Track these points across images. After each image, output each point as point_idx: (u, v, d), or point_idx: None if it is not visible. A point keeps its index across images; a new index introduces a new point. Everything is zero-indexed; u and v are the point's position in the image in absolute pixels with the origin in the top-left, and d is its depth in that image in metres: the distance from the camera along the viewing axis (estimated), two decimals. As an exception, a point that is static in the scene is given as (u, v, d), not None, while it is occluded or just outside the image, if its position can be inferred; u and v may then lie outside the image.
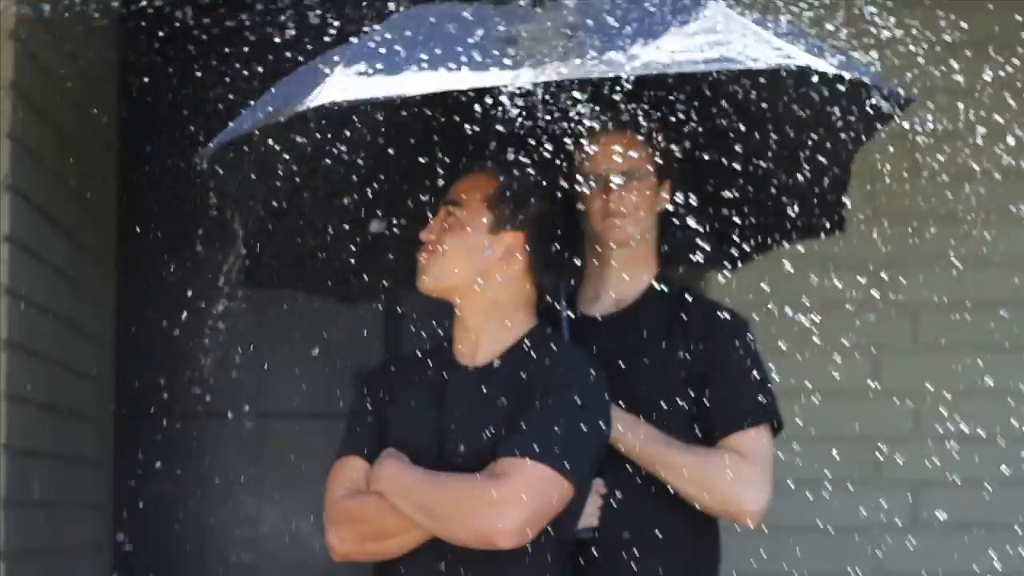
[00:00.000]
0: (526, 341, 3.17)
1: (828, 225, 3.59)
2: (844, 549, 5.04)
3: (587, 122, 3.35)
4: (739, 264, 3.80)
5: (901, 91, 2.94)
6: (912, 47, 4.89)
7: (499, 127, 3.41)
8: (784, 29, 2.94)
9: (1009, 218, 5.09)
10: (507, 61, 2.78)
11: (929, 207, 4.91)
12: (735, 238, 3.72)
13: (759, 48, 2.78)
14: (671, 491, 3.29)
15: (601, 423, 3.10)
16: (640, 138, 3.40)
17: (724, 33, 2.80)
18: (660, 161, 3.42)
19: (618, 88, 3.20)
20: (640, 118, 3.40)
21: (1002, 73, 4.99)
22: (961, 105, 4.96)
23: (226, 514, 5.85)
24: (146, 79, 5.71)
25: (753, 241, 3.71)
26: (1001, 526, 5.07)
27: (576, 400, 3.08)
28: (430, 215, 3.25)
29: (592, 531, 3.25)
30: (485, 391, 3.13)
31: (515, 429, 3.05)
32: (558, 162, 3.39)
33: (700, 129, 3.48)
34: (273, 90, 3.07)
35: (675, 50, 2.75)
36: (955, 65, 4.93)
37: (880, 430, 5.12)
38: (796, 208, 3.52)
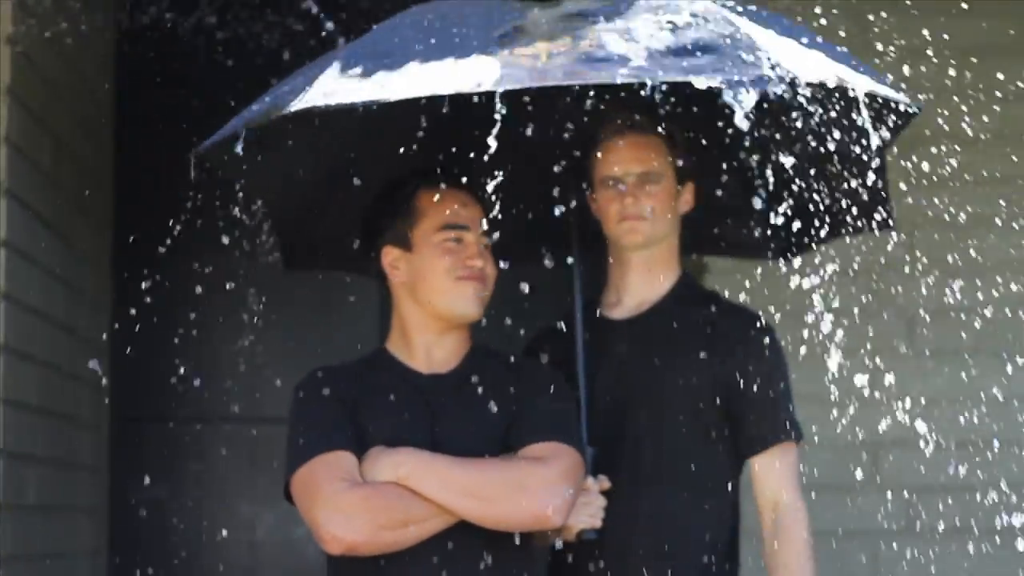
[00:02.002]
0: (475, 352, 3.28)
1: (876, 220, 3.52)
2: (841, 554, 5.03)
3: (603, 124, 3.36)
4: (791, 255, 3.78)
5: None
6: (909, 49, 4.90)
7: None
8: (811, 39, 2.91)
9: (1006, 223, 5.09)
10: (503, 62, 2.76)
11: (925, 212, 4.91)
12: (782, 228, 3.71)
13: (747, 55, 2.74)
14: (686, 492, 3.30)
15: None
16: (658, 140, 3.38)
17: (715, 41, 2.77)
18: (680, 163, 3.40)
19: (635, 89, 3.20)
20: (657, 119, 3.38)
21: (998, 77, 5.00)
22: (956, 110, 4.96)
23: (222, 518, 5.85)
24: (142, 84, 5.72)
25: (801, 232, 3.70)
26: (998, 532, 5.07)
27: (563, 395, 3.24)
28: (462, 235, 3.24)
29: (595, 532, 3.25)
30: (468, 396, 3.19)
31: (530, 420, 3.14)
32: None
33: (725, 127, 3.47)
34: (280, 86, 3.04)
35: (656, 53, 2.73)
36: (950, 70, 4.93)
37: (877, 436, 5.11)
38: (841, 200, 3.48)
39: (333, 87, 2.80)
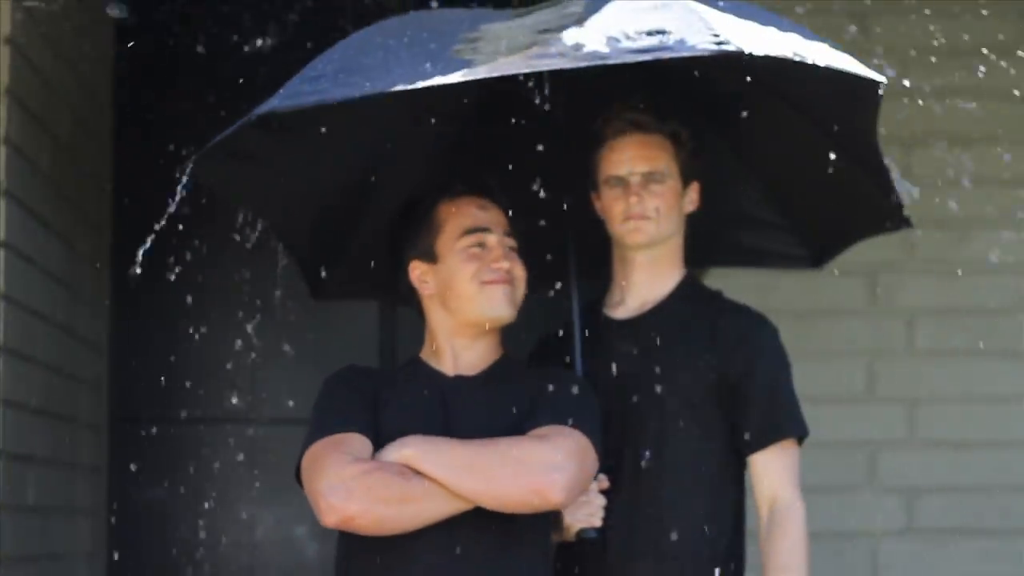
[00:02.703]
0: (504, 360, 3.28)
1: (894, 218, 3.52)
2: (839, 555, 5.03)
3: (608, 122, 3.37)
4: (822, 263, 3.80)
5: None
6: (909, 49, 4.91)
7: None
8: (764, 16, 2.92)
9: (1004, 224, 5.09)
10: (452, 61, 2.79)
11: (923, 212, 4.91)
12: (810, 237, 3.73)
13: (697, 35, 2.74)
14: (689, 491, 3.30)
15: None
16: (663, 139, 3.38)
17: (667, 18, 2.79)
18: (684, 162, 3.41)
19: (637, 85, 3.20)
20: (662, 118, 3.38)
21: (998, 77, 5.00)
22: (956, 110, 4.96)
23: (221, 519, 5.84)
24: (141, 85, 5.71)
25: (826, 239, 3.71)
26: (996, 532, 5.07)
27: (578, 386, 3.22)
28: (484, 237, 3.24)
29: (596, 532, 3.25)
30: (486, 396, 3.19)
31: (541, 406, 3.13)
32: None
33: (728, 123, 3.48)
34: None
35: (612, 37, 2.75)
36: (950, 70, 4.94)
37: (875, 436, 5.11)
38: (862, 202, 3.48)
39: (297, 89, 2.83)
